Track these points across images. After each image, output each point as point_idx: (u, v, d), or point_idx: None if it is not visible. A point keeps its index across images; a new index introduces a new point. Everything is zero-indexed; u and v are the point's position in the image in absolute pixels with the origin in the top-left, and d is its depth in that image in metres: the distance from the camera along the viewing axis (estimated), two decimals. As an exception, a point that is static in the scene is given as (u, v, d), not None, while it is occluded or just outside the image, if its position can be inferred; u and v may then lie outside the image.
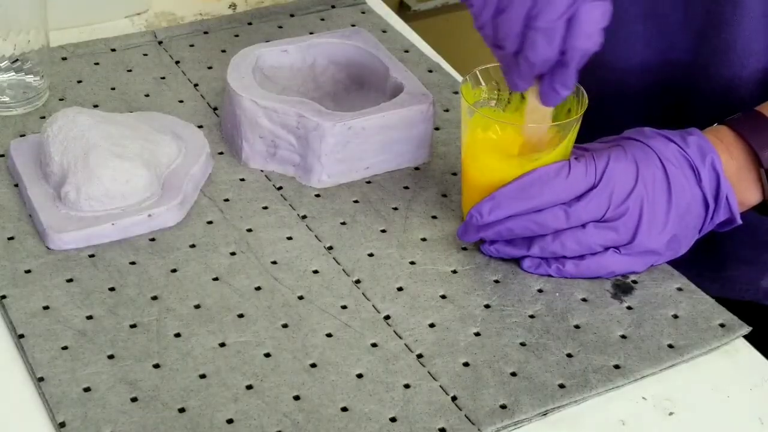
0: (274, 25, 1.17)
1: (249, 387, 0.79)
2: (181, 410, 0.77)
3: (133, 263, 0.88)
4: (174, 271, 0.88)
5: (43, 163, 0.92)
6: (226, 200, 0.95)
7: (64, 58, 1.10)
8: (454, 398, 0.79)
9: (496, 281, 0.89)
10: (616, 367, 0.82)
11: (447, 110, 1.07)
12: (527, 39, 0.80)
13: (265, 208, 0.94)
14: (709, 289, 0.89)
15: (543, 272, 0.88)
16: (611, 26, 1.01)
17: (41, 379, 0.78)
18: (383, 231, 0.93)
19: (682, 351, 0.84)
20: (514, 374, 0.81)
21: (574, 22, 0.79)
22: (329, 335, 0.83)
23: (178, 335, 0.82)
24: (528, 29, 0.80)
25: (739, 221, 0.88)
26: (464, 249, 0.91)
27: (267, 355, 0.81)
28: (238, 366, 0.80)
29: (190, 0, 1.21)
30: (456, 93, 1.08)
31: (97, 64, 1.10)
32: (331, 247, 0.91)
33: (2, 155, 0.98)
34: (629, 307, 0.87)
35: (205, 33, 1.15)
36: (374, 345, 0.82)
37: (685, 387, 0.82)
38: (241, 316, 0.84)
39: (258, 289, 0.87)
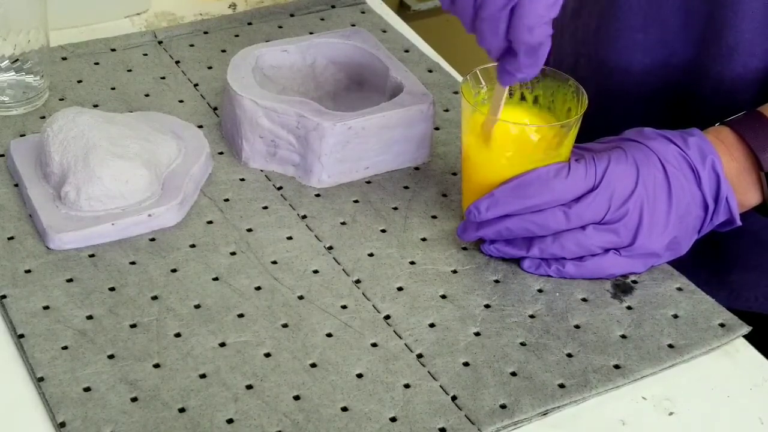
0: (274, 25, 1.17)
1: (249, 387, 0.79)
2: (181, 410, 0.77)
3: (133, 263, 0.88)
4: (174, 271, 0.88)
5: (43, 163, 0.92)
6: (226, 200, 0.95)
7: (64, 58, 1.10)
8: (454, 398, 0.79)
9: (496, 281, 0.89)
10: (616, 367, 0.82)
11: (447, 110, 1.07)
12: (476, 28, 0.81)
13: (265, 208, 0.94)
14: (717, 297, 0.89)
15: (543, 273, 0.88)
16: (611, 34, 1.01)
17: (41, 379, 0.78)
18: (383, 231, 0.93)
19: (682, 351, 0.84)
20: (514, 374, 0.81)
21: (515, 15, 0.79)
22: (329, 335, 0.83)
23: (178, 335, 0.82)
24: (476, 18, 0.81)
25: (739, 222, 0.88)
26: (464, 249, 0.91)
27: (267, 355, 0.81)
28: (238, 366, 0.80)
29: (190, 0, 1.21)
30: (456, 93, 1.09)
31: (97, 64, 1.10)
32: (331, 247, 0.91)
33: (2, 155, 0.98)
34: (629, 307, 0.87)
35: (205, 33, 1.15)
36: (374, 345, 0.82)
37: (685, 387, 0.82)
38: (241, 316, 0.84)
39: (258, 289, 0.87)
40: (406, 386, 0.80)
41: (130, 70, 1.09)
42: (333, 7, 1.20)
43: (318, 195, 0.96)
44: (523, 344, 0.83)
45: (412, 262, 0.90)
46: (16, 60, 1.01)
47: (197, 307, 0.85)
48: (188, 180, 0.94)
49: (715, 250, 1.03)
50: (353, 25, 1.17)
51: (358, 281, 0.88)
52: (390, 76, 1.01)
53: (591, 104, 0.88)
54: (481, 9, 0.80)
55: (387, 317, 0.85)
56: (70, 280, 0.86)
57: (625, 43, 1.01)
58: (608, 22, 1.01)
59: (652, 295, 0.88)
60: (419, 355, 0.82)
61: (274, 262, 0.89)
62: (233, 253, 0.90)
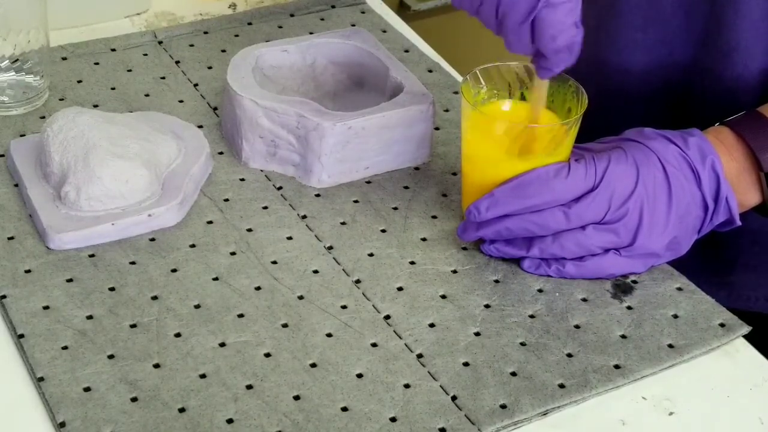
0: (274, 25, 1.17)
1: (249, 387, 0.79)
2: (181, 410, 0.77)
3: (133, 263, 0.88)
4: (174, 271, 0.88)
5: (43, 163, 0.93)
6: (226, 200, 0.95)
7: (64, 58, 1.10)
8: (454, 398, 0.79)
9: (496, 281, 0.89)
10: (616, 367, 0.82)
11: (447, 110, 1.07)
12: (502, 36, 0.83)
13: (265, 208, 0.94)
14: (716, 296, 0.89)
15: (543, 273, 0.88)
16: (611, 34, 1.01)
17: (41, 379, 0.78)
18: (383, 231, 0.93)
19: (682, 351, 0.84)
20: (514, 374, 0.81)
21: (537, 26, 0.81)
22: (329, 335, 0.83)
23: (178, 335, 0.82)
24: (500, 27, 0.82)
25: (739, 223, 0.88)
26: (464, 249, 0.91)
27: (267, 355, 0.81)
28: (238, 366, 0.80)
29: (190, 0, 1.21)
30: (456, 93, 1.08)
31: (97, 64, 1.10)
32: (331, 247, 0.91)
33: (2, 155, 0.98)
34: (629, 307, 0.87)
35: (205, 33, 1.15)
36: (374, 345, 0.82)
37: (685, 387, 0.82)
38: (241, 316, 0.84)
39: (258, 289, 0.87)
40: (406, 386, 0.80)
41: (130, 70, 1.09)
42: (333, 7, 1.20)
43: (318, 195, 0.96)
44: (523, 344, 0.83)
45: (412, 262, 0.90)
46: (16, 60, 1.01)
47: (197, 307, 0.85)
48: (188, 180, 0.94)
49: (715, 250, 1.03)
50: (353, 25, 1.17)
51: (358, 281, 0.88)
52: (390, 76, 1.01)
53: (591, 104, 0.88)
54: (503, 23, 0.81)
55: (387, 317, 0.85)
56: (70, 280, 0.86)
57: (625, 43, 1.01)
58: (608, 21, 1.01)
59: (652, 295, 0.88)
60: (419, 355, 0.82)
61: (274, 262, 0.89)
62: (233, 253, 0.90)
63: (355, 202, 0.96)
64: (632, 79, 1.02)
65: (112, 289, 0.86)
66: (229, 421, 0.76)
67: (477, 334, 0.84)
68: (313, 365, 0.81)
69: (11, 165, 0.95)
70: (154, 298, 0.85)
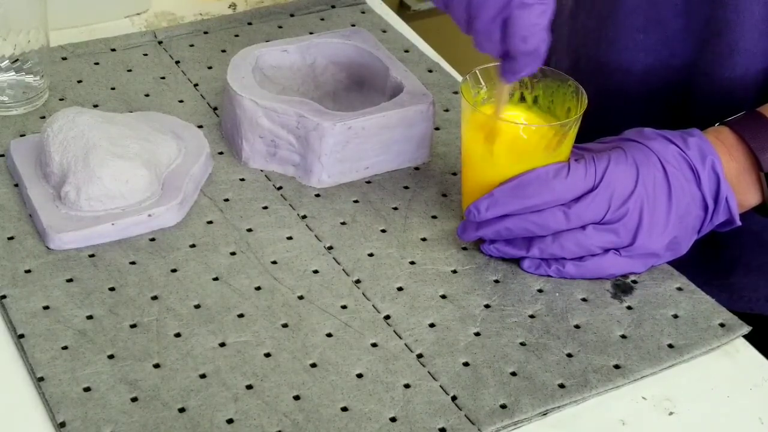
0: (274, 25, 1.17)
1: (249, 387, 0.79)
2: (181, 410, 0.77)
3: (133, 263, 0.88)
4: (174, 271, 0.88)
5: (43, 163, 0.93)
6: (226, 200, 0.95)
7: (64, 58, 1.10)
8: (454, 398, 0.79)
9: (496, 281, 0.89)
10: (616, 367, 0.82)
11: (447, 110, 1.07)
12: (472, 35, 0.83)
13: (265, 208, 0.94)
14: (717, 298, 0.89)
15: (543, 273, 0.88)
16: (612, 34, 1.01)
17: (41, 379, 0.78)
18: (383, 231, 0.93)
19: (682, 351, 0.84)
20: (514, 374, 0.81)
21: (508, 26, 0.81)
22: (329, 335, 0.83)
23: (178, 335, 0.82)
24: (470, 27, 0.82)
25: (739, 223, 0.88)
26: (464, 249, 0.91)
27: (267, 355, 0.81)
28: (238, 366, 0.80)
29: (190, 0, 1.21)
30: (456, 93, 1.08)
31: (97, 64, 1.10)
32: (331, 247, 0.91)
33: (2, 155, 0.98)
34: (629, 307, 0.87)
35: (205, 33, 1.15)
36: (374, 345, 0.82)
37: (685, 387, 0.82)
38: (241, 316, 0.84)
39: (258, 289, 0.87)
40: (406, 386, 0.80)
41: (130, 70, 1.09)
42: (333, 7, 1.20)
43: (318, 195, 0.96)
44: (523, 344, 0.83)
45: (412, 262, 0.90)
46: (16, 60, 1.01)
47: (197, 307, 0.85)
48: (188, 180, 0.94)
49: (716, 251, 1.03)
50: (353, 25, 1.17)
51: (358, 281, 0.88)
52: (390, 76, 1.01)
53: (591, 104, 0.88)
54: (474, 22, 0.81)
55: (387, 317, 0.85)
56: (70, 280, 0.86)
57: (625, 44, 1.01)
58: (608, 22, 1.01)
59: (652, 295, 0.88)
60: (419, 355, 0.82)
61: (274, 262, 0.89)
62: (233, 253, 0.90)
63: (355, 202, 0.96)
64: (632, 79, 1.02)
65: (112, 289, 0.86)
66: (229, 421, 0.76)
67: (477, 334, 0.84)
68: (313, 365, 0.81)
69: (11, 165, 0.95)
70: (154, 298, 0.85)
